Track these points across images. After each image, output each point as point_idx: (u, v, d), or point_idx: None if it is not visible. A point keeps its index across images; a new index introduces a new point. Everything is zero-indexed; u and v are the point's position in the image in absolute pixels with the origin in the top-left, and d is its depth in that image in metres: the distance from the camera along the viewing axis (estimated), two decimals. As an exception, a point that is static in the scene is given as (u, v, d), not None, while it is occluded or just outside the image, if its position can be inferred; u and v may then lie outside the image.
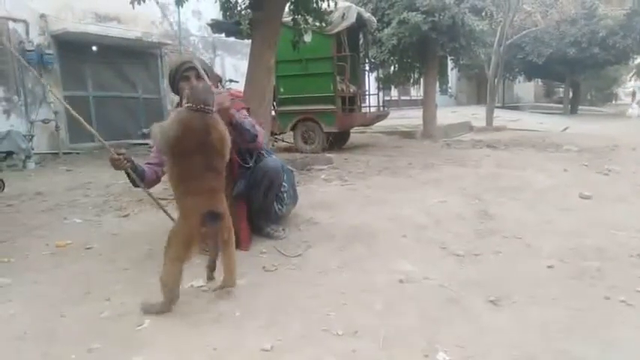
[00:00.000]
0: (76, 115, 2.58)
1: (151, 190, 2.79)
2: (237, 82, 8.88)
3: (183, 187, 1.97)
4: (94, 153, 8.46)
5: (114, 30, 9.41)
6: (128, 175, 2.64)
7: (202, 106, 1.96)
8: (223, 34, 8.72)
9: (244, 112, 3.00)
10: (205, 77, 2.86)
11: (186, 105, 1.98)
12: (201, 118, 1.95)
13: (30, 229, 3.47)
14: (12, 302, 2.24)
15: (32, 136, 7.87)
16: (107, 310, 2.12)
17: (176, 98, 2.99)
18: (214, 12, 9.41)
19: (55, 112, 8.42)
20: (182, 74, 2.79)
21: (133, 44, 9.84)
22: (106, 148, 2.63)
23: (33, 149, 7.58)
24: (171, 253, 1.99)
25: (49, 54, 8.39)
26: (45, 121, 8.35)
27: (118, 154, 2.53)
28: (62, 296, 2.30)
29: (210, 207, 1.95)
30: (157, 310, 2.02)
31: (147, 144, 9.17)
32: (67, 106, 2.73)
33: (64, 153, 8.38)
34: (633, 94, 21.61)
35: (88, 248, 3.02)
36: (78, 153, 8.54)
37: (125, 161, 2.55)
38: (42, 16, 8.43)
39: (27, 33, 8.29)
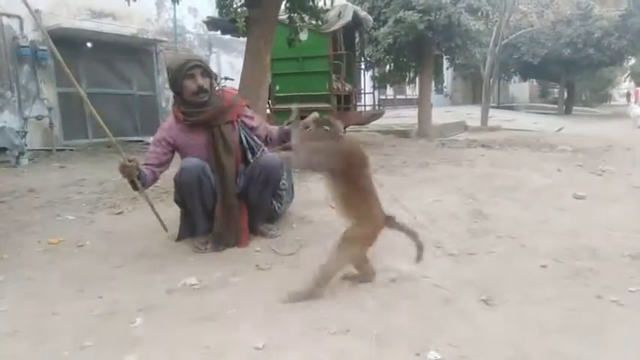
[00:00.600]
0: (96, 114, 2.64)
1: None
2: (232, 79, 8.85)
3: (364, 199, 2.17)
4: (87, 150, 8.42)
5: (109, 26, 9.34)
6: (132, 182, 2.67)
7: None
8: (219, 32, 8.69)
9: (249, 110, 3.04)
10: (211, 74, 2.88)
11: (334, 136, 2.17)
12: (350, 141, 2.31)
13: (23, 226, 3.45)
14: (4, 299, 2.23)
15: (25, 133, 7.79)
16: (100, 307, 2.11)
17: (171, 95, 2.99)
18: (210, 9, 9.40)
19: (49, 109, 8.35)
20: (187, 72, 2.77)
21: (128, 41, 9.77)
22: (114, 150, 2.66)
23: (26, 145, 7.51)
24: (350, 252, 2.18)
25: (43, 50, 8.33)
26: (38, 118, 8.27)
27: (130, 161, 2.57)
28: (55, 293, 2.29)
29: (385, 211, 2.23)
30: (308, 296, 2.13)
31: (141, 141, 9.14)
32: (91, 107, 2.74)
33: (58, 150, 8.31)
34: (628, 95, 21.73)
35: (80, 245, 3.00)
36: (71, 150, 8.47)
37: (135, 169, 2.60)
38: (36, 11, 8.36)
39: (21, 28, 8.22)
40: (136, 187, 2.71)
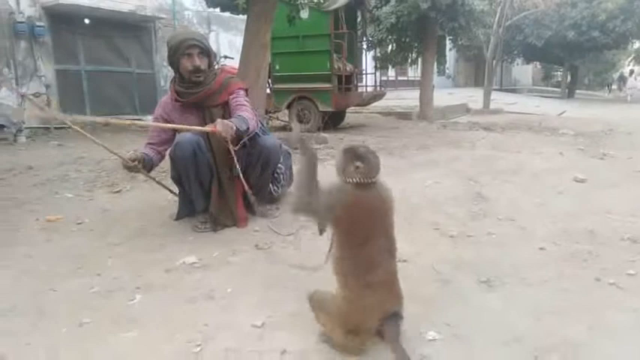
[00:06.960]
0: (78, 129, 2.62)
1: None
2: (232, 58, 8.75)
3: (360, 278, 1.53)
4: (85, 128, 8.35)
5: (107, 3, 9.22)
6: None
7: (374, 179, 1.57)
8: (218, 9, 8.57)
9: (241, 92, 2.93)
10: (210, 54, 2.83)
11: (355, 181, 1.53)
12: (376, 192, 1.59)
13: (21, 203, 3.44)
14: (2, 276, 2.22)
15: (23, 110, 7.75)
16: (98, 285, 2.12)
17: (171, 73, 2.94)
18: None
19: (47, 86, 8.29)
20: (184, 51, 2.73)
21: (126, 17, 9.65)
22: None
23: (24, 123, 7.47)
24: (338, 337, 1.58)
25: (40, 26, 8.22)
26: (36, 95, 8.21)
27: (132, 161, 2.64)
28: (53, 271, 2.29)
29: (396, 305, 1.58)
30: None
31: (139, 119, 9.08)
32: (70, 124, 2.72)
33: (56, 128, 8.26)
34: (623, 79, 21.60)
35: (79, 223, 3.00)
36: (69, 128, 8.43)
37: (139, 165, 2.68)
38: (33, -13, 8.25)
39: (17, 4, 8.10)
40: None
